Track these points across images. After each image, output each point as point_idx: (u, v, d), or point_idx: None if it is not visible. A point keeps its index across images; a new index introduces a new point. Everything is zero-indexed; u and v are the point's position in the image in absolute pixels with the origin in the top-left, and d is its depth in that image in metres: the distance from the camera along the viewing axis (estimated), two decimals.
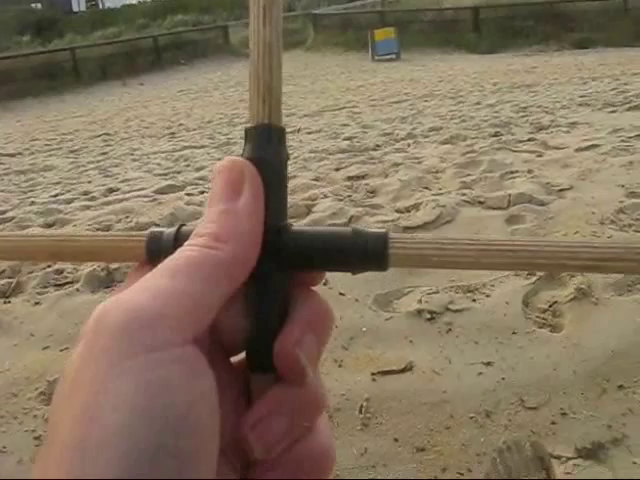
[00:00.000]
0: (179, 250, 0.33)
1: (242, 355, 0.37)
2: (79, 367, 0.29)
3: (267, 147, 0.36)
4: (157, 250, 0.37)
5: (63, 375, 0.29)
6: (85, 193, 4.71)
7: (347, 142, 5.76)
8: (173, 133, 7.99)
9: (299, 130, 6.90)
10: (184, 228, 0.37)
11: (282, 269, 0.36)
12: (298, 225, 0.36)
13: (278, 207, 0.36)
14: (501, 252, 0.34)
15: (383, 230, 0.36)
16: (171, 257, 0.32)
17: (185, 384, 0.29)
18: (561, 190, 3.49)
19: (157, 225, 3.46)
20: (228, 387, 0.35)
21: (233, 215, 0.34)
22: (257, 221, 0.34)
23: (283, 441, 0.34)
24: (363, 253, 0.35)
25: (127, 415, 0.27)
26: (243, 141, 0.37)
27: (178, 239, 0.36)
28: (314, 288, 0.37)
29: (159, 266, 0.32)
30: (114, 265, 2.93)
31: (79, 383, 0.28)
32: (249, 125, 0.36)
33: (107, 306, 0.30)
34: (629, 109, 6.10)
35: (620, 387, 1.86)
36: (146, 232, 0.38)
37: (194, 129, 8.14)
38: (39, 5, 32.75)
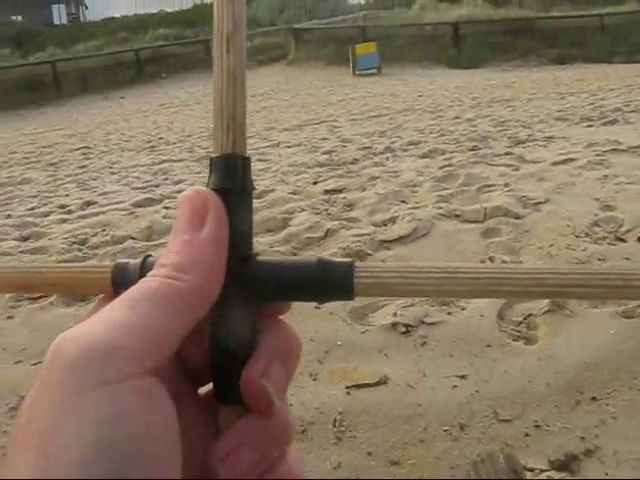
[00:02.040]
0: (141, 281, 0.33)
1: (210, 385, 0.36)
2: (35, 401, 0.28)
3: (232, 177, 0.36)
4: (123, 281, 0.36)
5: (21, 408, 0.29)
6: (62, 206, 4.69)
7: (326, 156, 5.78)
8: (153, 146, 7.98)
9: (278, 144, 6.92)
10: (149, 259, 0.37)
11: (248, 299, 0.35)
12: (264, 255, 0.36)
13: (243, 237, 0.36)
14: (465, 280, 0.34)
15: (349, 260, 0.36)
16: (132, 288, 0.32)
17: (142, 416, 0.28)
18: (537, 203, 3.52)
19: (133, 239, 3.45)
20: (195, 418, 0.35)
21: (196, 245, 0.33)
22: (220, 251, 0.34)
23: (253, 472, 0.34)
24: (329, 283, 0.35)
25: (80, 452, 0.26)
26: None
27: (143, 270, 0.36)
28: (281, 317, 0.37)
29: (119, 297, 0.32)
30: None
31: (34, 418, 0.28)
32: (213, 155, 0.36)
33: (63, 338, 0.29)
34: (605, 124, 6.18)
35: (593, 399, 1.87)
36: (112, 263, 0.38)
37: (174, 142, 8.13)
38: (20, 18, 32.63)
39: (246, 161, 0.36)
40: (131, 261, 0.38)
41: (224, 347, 0.35)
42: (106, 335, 0.29)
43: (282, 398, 0.35)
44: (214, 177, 0.36)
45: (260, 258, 0.36)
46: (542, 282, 0.33)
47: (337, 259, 0.36)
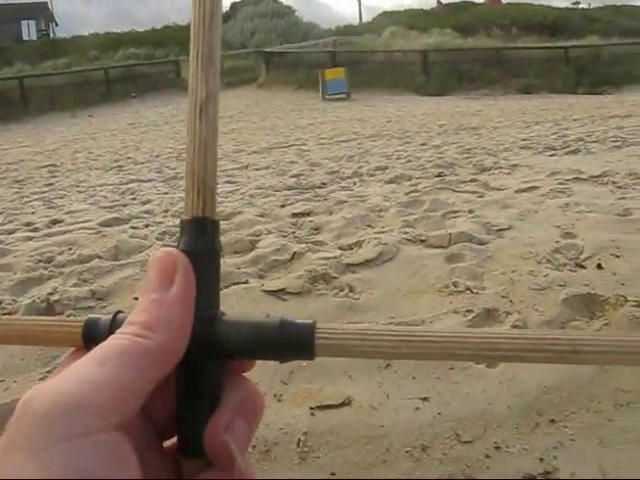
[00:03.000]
0: (110, 338, 0.34)
1: (175, 439, 0.38)
2: (4, 452, 0.29)
3: (201, 239, 0.37)
4: (93, 336, 0.38)
5: None
6: (28, 224, 4.63)
7: (294, 179, 5.82)
8: (121, 166, 7.93)
9: (247, 166, 6.93)
10: (120, 315, 0.39)
11: (213, 357, 0.37)
12: (230, 314, 0.38)
13: (210, 297, 0.37)
14: (422, 342, 0.35)
15: (310, 321, 0.37)
16: (102, 344, 0.34)
17: (106, 471, 0.29)
18: (500, 230, 3.58)
19: (99, 257, 3.43)
20: (159, 471, 0.36)
21: (164, 304, 0.35)
22: (187, 310, 0.35)
23: None
24: (291, 343, 0.37)
25: None
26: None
27: (113, 326, 0.38)
28: (245, 374, 0.39)
29: (89, 353, 0.33)
30: (55, 297, 2.89)
31: (2, 474, 0.28)
32: (184, 217, 0.38)
33: (32, 393, 0.31)
34: (568, 153, 6.31)
35: (552, 421, 1.90)
36: (83, 318, 0.39)
37: (142, 162, 8.09)
38: None
39: (215, 224, 0.38)
40: (102, 317, 0.39)
41: (189, 402, 0.36)
42: (75, 390, 0.30)
43: (243, 453, 0.36)
44: (184, 239, 0.38)
45: (226, 317, 0.38)
46: (494, 346, 0.35)
47: (299, 320, 0.37)
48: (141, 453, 0.32)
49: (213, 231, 0.38)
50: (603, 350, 0.34)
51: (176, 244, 0.38)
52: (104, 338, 0.35)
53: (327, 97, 17.65)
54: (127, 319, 0.35)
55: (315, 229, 3.89)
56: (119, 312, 0.39)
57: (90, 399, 0.30)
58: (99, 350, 0.33)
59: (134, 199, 5.48)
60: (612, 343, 0.34)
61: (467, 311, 2.56)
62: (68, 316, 2.76)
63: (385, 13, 31.04)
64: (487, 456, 1.79)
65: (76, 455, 0.29)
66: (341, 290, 2.85)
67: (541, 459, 1.75)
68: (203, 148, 0.38)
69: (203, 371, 0.37)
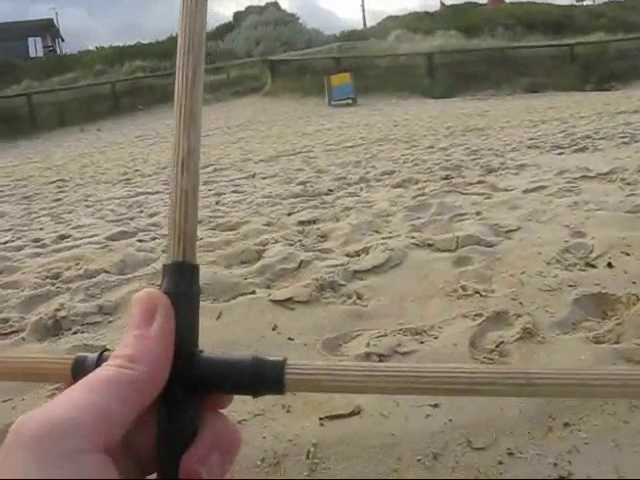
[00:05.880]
0: (98, 369, 0.37)
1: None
2: None
3: (180, 282, 0.40)
4: (82, 372, 0.39)
5: None
6: (36, 240, 4.64)
7: (300, 187, 5.81)
8: (128, 179, 7.96)
9: (254, 175, 6.93)
10: (106, 353, 0.40)
11: (191, 391, 0.39)
12: (208, 352, 0.40)
13: (189, 335, 0.40)
14: (388, 377, 0.37)
15: (280, 358, 0.40)
16: (90, 374, 0.36)
17: None
18: (508, 231, 3.55)
19: (106, 272, 3.42)
20: None
21: (146, 339, 0.38)
22: (167, 346, 0.38)
23: None
24: (262, 379, 0.39)
25: None
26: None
27: (100, 362, 0.40)
28: (222, 411, 0.41)
29: (78, 382, 0.35)
30: (62, 313, 2.88)
31: None
32: (166, 262, 0.41)
33: (25, 418, 0.33)
34: (575, 151, 6.28)
35: (566, 425, 1.87)
36: (72, 356, 0.42)
37: (149, 175, 8.12)
38: None
39: (195, 269, 0.41)
40: (89, 355, 0.41)
41: (167, 435, 0.38)
42: (64, 414, 0.32)
43: None
44: (165, 281, 0.40)
45: (204, 354, 0.40)
46: (454, 380, 0.36)
47: (270, 357, 0.40)
48: None
49: (192, 275, 0.41)
50: (558, 383, 0.35)
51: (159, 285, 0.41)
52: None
53: (333, 103, 17.67)
54: (113, 353, 0.38)
55: (322, 236, 3.88)
56: (106, 350, 0.41)
57: (78, 421, 0.32)
58: (87, 379, 0.36)
59: (141, 212, 5.49)
60: (567, 375, 0.35)
61: (476, 315, 2.53)
62: (74, 333, 2.76)
63: (389, 17, 31.03)
64: (500, 462, 1.76)
65: (66, 472, 0.30)
66: (349, 297, 2.83)
67: (555, 464, 1.72)
68: (184, 199, 0.41)
69: (181, 405, 0.38)
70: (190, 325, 0.40)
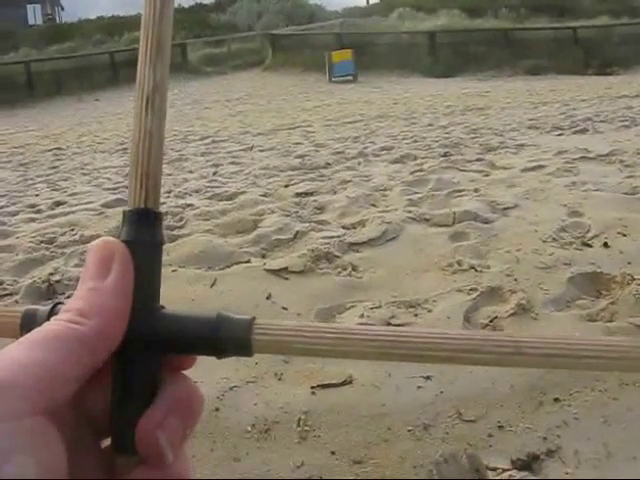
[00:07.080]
0: (44, 324, 0.34)
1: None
2: None
3: (141, 230, 0.37)
4: (30, 327, 0.36)
5: None
6: (31, 206, 4.64)
7: (299, 160, 5.79)
8: (126, 149, 7.91)
9: (252, 148, 6.91)
10: (59, 306, 0.37)
11: (150, 350, 0.36)
12: (169, 309, 0.37)
13: (150, 289, 0.37)
14: (360, 341, 0.34)
15: (247, 317, 0.36)
16: (34, 330, 0.33)
17: (29, 455, 0.29)
18: (505, 208, 3.55)
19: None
20: (91, 469, 0.35)
21: (100, 292, 0.35)
22: (124, 299, 0.35)
23: None
24: (227, 339, 0.36)
25: None
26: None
27: (51, 316, 0.37)
28: (185, 372, 0.38)
29: (20, 339, 0.32)
30: (56, 277, 2.88)
31: None
32: (126, 208, 0.37)
33: None
34: (575, 132, 6.27)
35: (556, 400, 1.88)
36: (21, 309, 0.39)
37: None
38: None
39: (158, 216, 0.38)
40: (40, 307, 0.38)
41: (123, 396, 0.35)
42: (0, 372, 0.29)
43: (178, 451, 0.35)
44: (125, 229, 0.37)
45: (165, 311, 0.37)
46: (436, 347, 0.34)
47: (237, 316, 0.36)
48: (73, 449, 0.32)
49: (155, 223, 0.37)
50: (548, 353, 0.33)
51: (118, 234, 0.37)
52: None
53: (334, 79, 17.58)
54: (63, 307, 0.35)
55: (319, 208, 3.87)
56: (59, 303, 0.38)
57: (14, 381, 0.29)
58: (30, 335, 0.33)
59: None
60: (557, 345, 0.33)
61: (471, 290, 2.54)
62: (68, 297, 2.75)
63: None
64: (490, 435, 1.77)
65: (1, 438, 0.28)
66: (344, 269, 2.83)
67: (544, 438, 1.74)
68: (148, 139, 0.37)
69: (138, 364, 0.36)
70: (150, 278, 0.37)
